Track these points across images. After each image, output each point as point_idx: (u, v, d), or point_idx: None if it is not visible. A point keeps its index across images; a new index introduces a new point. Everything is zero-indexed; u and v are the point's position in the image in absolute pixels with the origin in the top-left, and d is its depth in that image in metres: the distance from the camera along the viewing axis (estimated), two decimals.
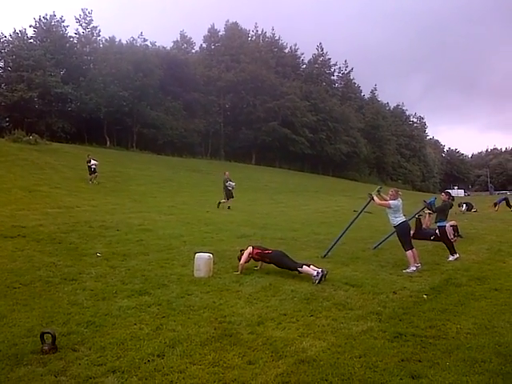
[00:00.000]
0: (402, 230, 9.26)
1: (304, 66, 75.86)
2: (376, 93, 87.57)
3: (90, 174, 24.26)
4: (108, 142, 46.00)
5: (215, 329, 5.32)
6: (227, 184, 21.02)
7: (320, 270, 7.67)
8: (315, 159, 65.09)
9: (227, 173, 22.21)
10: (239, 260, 8.39)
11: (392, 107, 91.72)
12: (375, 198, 9.58)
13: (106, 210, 15.79)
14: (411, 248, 9.11)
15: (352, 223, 10.81)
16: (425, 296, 6.97)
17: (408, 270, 8.82)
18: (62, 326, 5.25)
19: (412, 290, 7.38)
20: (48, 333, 4.68)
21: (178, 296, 6.59)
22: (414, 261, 8.99)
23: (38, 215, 13.66)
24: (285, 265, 8.16)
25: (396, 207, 9.19)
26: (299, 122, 59.44)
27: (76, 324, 5.37)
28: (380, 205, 9.41)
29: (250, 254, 8.33)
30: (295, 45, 74.23)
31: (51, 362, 4.39)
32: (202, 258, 7.87)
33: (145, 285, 7.12)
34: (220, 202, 20.61)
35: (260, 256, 8.37)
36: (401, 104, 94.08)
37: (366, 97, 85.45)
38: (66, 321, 5.47)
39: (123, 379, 4.09)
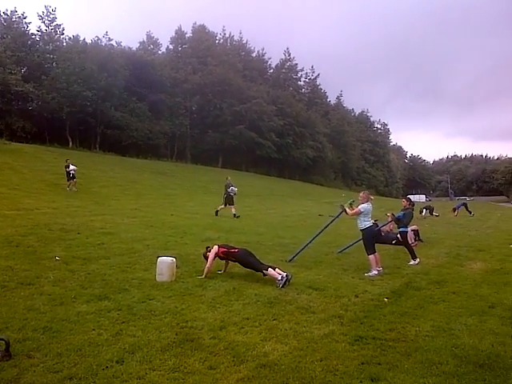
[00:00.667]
0: (368, 234, 9.43)
1: (271, 70, 76.40)
2: (342, 99, 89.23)
3: (68, 180, 22.92)
4: (70, 143, 44.88)
5: (176, 334, 5.26)
6: (229, 190, 19.94)
7: (285, 274, 7.70)
8: (282, 163, 65.55)
9: (229, 178, 21.33)
10: (205, 258, 8.32)
11: (357, 113, 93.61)
12: (347, 210, 9.66)
13: (67, 213, 15.37)
14: (374, 252, 9.28)
15: (321, 232, 10.88)
16: (385, 299, 7.10)
17: (370, 274, 8.98)
18: (17, 332, 5.08)
19: (373, 293, 7.51)
20: (2, 339, 4.53)
21: (139, 301, 6.47)
22: (375, 264, 9.17)
23: None
24: (250, 264, 8.14)
25: (366, 211, 9.37)
26: (266, 126, 59.72)
27: (32, 330, 5.20)
28: (352, 214, 9.52)
29: (216, 253, 8.27)
30: (263, 49, 74.78)
31: (4, 369, 4.25)
32: (165, 261, 7.77)
33: (105, 289, 6.96)
34: (218, 210, 19.58)
35: (226, 255, 8.32)
36: (365, 110, 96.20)
37: (331, 102, 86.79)
38: (21, 327, 5.29)
39: None
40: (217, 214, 19.31)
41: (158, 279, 7.63)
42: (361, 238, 10.93)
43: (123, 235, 11.80)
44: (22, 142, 36.85)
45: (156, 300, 6.54)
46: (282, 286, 7.48)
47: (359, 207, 9.41)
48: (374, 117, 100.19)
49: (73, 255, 9.17)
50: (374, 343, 5.18)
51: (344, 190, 65.70)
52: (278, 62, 75.83)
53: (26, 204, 16.53)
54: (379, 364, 4.60)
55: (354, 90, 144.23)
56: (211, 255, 8.22)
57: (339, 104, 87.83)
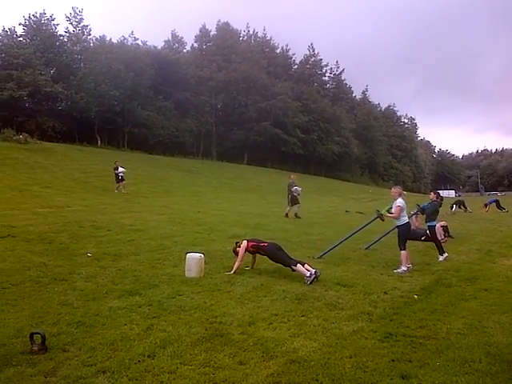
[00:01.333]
0: (404, 230, 9.27)
1: (295, 66, 76.02)
2: (367, 94, 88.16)
3: (118, 182, 22.74)
4: (99, 142, 45.79)
5: (206, 329, 5.31)
6: (293, 189, 18.95)
7: (313, 270, 7.67)
8: (307, 159, 65.26)
9: (293, 176, 20.51)
10: (235, 253, 8.37)
11: (383, 108, 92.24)
12: (387, 214, 9.41)
13: (97, 210, 15.69)
14: (405, 248, 9.16)
15: (354, 234, 10.76)
16: (415, 296, 7.01)
17: (399, 270, 8.87)
18: (51, 327, 5.21)
19: (403, 290, 7.41)
20: (38, 333, 4.64)
21: (169, 296, 6.56)
22: (406, 261, 9.04)
23: (28, 215, 13.55)
24: (279, 259, 8.12)
25: (404, 206, 9.23)
26: (291, 123, 59.53)
27: (66, 324, 5.33)
28: (396, 216, 9.20)
29: (245, 248, 8.29)
30: (287, 45, 74.49)
31: (41, 362, 4.36)
32: (194, 258, 7.85)
33: (135, 285, 7.08)
34: (287, 213, 18.58)
35: (255, 248, 8.31)
36: (392, 105, 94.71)
37: (357, 98, 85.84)
38: (56, 321, 5.43)
39: (113, 380, 4.06)
40: (287, 216, 18.45)
41: (186, 275, 7.72)
42: (386, 233, 10.82)
43: (152, 232, 11.98)
44: (53, 141, 37.80)
45: (185, 296, 6.63)
46: (311, 283, 7.47)
47: (398, 203, 9.14)
48: (401, 111, 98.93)
49: (104, 252, 9.36)
50: (404, 340, 5.13)
51: (371, 185, 65.00)
52: (302, 57, 75.44)
53: (57, 202, 16.96)
54: (410, 361, 4.55)
55: (380, 84, 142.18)
56: (241, 251, 8.24)
57: (365, 99, 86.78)
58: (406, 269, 8.92)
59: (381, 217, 9.58)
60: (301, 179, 50.14)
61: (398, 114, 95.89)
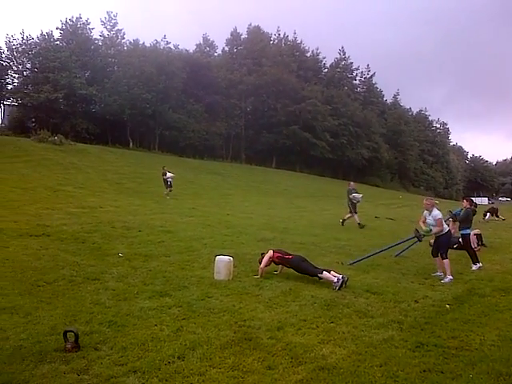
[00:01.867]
0: (446, 239, 9.11)
1: (326, 70, 75.62)
2: (398, 98, 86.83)
3: (167, 188, 22.80)
4: (131, 144, 46.62)
5: (235, 332, 5.33)
6: (351, 196, 17.94)
7: (340, 276, 7.62)
8: (336, 164, 64.75)
9: (352, 183, 19.74)
10: (260, 263, 8.40)
11: (415, 112, 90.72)
12: (433, 230, 9.13)
13: (129, 211, 15.99)
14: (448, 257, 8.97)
15: (391, 247, 10.57)
16: (447, 306, 6.86)
17: (445, 280, 8.64)
18: (84, 325, 5.31)
19: (434, 299, 7.28)
20: (71, 331, 4.74)
21: (199, 298, 6.62)
22: (449, 270, 8.83)
23: (62, 214, 13.92)
24: (305, 270, 8.12)
25: (442, 216, 9.10)
26: (320, 126, 59.22)
27: (98, 323, 5.43)
28: (439, 230, 9.01)
29: (270, 257, 8.32)
30: (317, 49, 74.19)
31: (74, 360, 4.45)
32: (223, 260, 7.90)
33: (166, 286, 7.17)
34: (344, 220, 17.85)
35: (280, 260, 8.34)
36: (424, 109, 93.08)
37: (388, 101, 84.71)
38: (88, 320, 5.53)
39: (144, 380, 4.12)
40: (343, 224, 17.69)
41: (215, 277, 7.77)
42: (416, 241, 10.61)
43: (182, 234, 12.12)
44: (86, 143, 38.70)
45: (214, 298, 6.67)
46: (339, 289, 7.41)
47: (438, 216, 8.98)
48: (433, 116, 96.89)
49: (135, 252, 9.53)
50: (436, 351, 5.03)
51: (401, 191, 63.98)
52: (332, 61, 75.04)
53: (90, 202, 17.37)
54: (442, 372, 4.46)
55: (412, 88, 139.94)
56: (266, 258, 8.28)
57: (396, 103, 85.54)
58: (452, 278, 8.71)
59: (419, 237, 9.31)
60: (329, 183, 50.04)
61: (430, 118, 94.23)
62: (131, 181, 25.93)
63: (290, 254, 8.44)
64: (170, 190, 22.78)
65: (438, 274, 9.10)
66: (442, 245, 9.10)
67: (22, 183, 20.08)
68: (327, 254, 11.09)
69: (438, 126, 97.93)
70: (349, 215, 17.85)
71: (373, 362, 4.67)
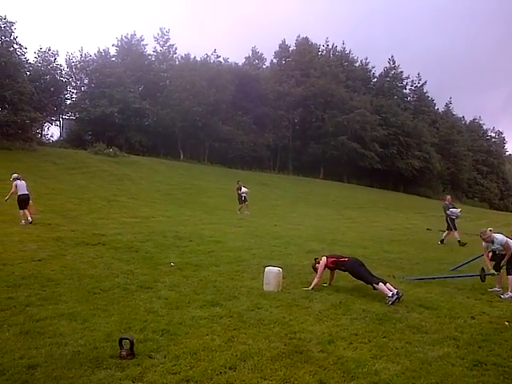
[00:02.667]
0: None
1: (375, 79, 74.51)
2: (451, 106, 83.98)
3: (240, 203, 21.97)
4: (182, 155, 47.65)
5: (285, 344, 5.33)
6: (449, 212, 16.85)
7: (396, 291, 7.42)
8: (385, 174, 63.34)
9: (448, 197, 18.54)
10: (314, 270, 8.31)
11: (468, 121, 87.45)
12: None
13: (179, 221, 16.36)
14: None
15: (463, 264, 10.19)
16: (506, 323, 6.55)
17: (505, 296, 8.26)
18: (138, 333, 5.46)
19: (492, 315, 6.97)
20: (126, 339, 4.88)
21: (249, 309, 6.66)
22: None
23: (116, 224, 14.44)
24: (362, 275, 7.93)
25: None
26: (369, 137, 58.25)
27: (152, 331, 5.56)
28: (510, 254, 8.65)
29: (325, 265, 8.19)
30: (366, 58, 73.25)
31: (129, 367, 4.58)
32: (272, 271, 7.92)
33: (216, 296, 7.27)
34: (443, 239, 16.71)
35: (335, 264, 8.18)
36: (478, 118, 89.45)
37: (440, 110, 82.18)
38: (142, 328, 5.68)
39: None
40: (442, 243, 16.58)
41: (265, 288, 7.80)
42: (475, 257, 10.21)
43: (231, 244, 12.27)
44: (139, 155, 39.94)
45: (264, 309, 6.69)
46: (392, 303, 7.23)
47: (503, 242, 8.61)
48: (488, 125, 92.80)
49: (186, 261, 9.73)
50: (495, 370, 4.82)
51: (454, 202, 61.70)
52: (382, 70, 73.85)
53: (142, 212, 17.91)
54: None
55: (465, 96, 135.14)
56: (321, 267, 8.16)
57: (448, 111, 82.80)
58: None
59: (483, 277, 8.80)
60: (378, 194, 49.05)
61: (485, 127, 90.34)
62: (182, 191, 26.51)
63: (346, 257, 8.32)
64: (247, 206, 21.97)
65: (496, 289, 8.70)
66: (509, 261, 8.64)
67: (79, 194, 21.03)
68: (378, 266, 10.84)
69: (493, 134, 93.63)
70: (447, 232, 16.83)
71: (428, 379, 4.53)
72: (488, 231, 8.87)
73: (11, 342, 5.08)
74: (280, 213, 24.09)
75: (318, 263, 8.29)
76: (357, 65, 72.32)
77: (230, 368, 4.64)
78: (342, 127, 56.99)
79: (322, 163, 58.91)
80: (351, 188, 50.41)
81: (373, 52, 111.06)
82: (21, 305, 6.31)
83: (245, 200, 21.85)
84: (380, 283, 7.63)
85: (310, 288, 8.02)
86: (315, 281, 8.10)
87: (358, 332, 5.89)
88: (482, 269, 8.93)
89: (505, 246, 8.61)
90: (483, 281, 8.83)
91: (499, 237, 8.71)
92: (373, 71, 74.32)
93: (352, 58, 71.61)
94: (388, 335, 5.82)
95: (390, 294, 7.36)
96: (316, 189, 40.97)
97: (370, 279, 7.82)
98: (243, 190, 22.08)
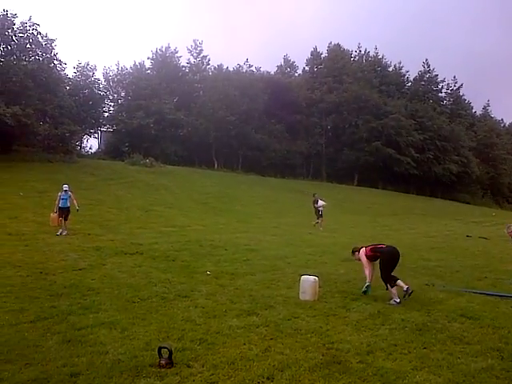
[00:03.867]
0: None
1: (409, 83, 73.28)
2: (489, 109, 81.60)
3: (318, 218, 20.63)
4: (216, 165, 48.14)
5: (323, 355, 5.28)
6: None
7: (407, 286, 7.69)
8: (422, 180, 61.97)
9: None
10: (353, 255, 8.41)
11: (507, 123, 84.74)
12: None
13: (215, 230, 16.52)
14: None
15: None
16: None
17: None
18: (177, 342, 5.51)
19: None
20: (165, 347, 4.93)
21: (285, 318, 6.64)
22: None
23: (153, 233, 14.72)
24: (387, 268, 7.91)
25: None
26: (404, 142, 57.24)
27: (190, 340, 5.60)
28: None
29: (365, 254, 8.15)
30: (399, 63, 72.17)
31: (168, 376, 4.63)
32: (308, 280, 7.88)
33: (252, 305, 7.28)
34: None
35: (373, 252, 8.12)
36: None
37: (477, 113, 79.98)
38: (180, 337, 5.73)
39: None
40: None
41: (301, 297, 7.76)
42: None
43: (266, 252, 12.28)
44: (175, 165, 40.56)
45: (301, 319, 6.65)
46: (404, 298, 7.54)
47: None
48: None
49: (221, 270, 9.80)
50: None
51: (494, 208, 59.69)
52: (416, 74, 72.58)
53: (178, 221, 18.18)
54: None
55: (504, 97, 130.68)
56: (363, 258, 8.13)
57: (486, 114, 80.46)
58: None
59: None
60: (415, 200, 48.08)
61: None
62: (216, 200, 26.76)
63: (383, 244, 8.29)
64: (321, 221, 20.50)
65: None
66: None
67: (117, 204, 21.54)
68: (416, 275, 10.62)
69: None
70: None
71: None
72: None
73: (54, 350, 5.23)
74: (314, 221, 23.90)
75: (354, 254, 8.35)
76: (390, 69, 71.36)
77: (268, 378, 4.63)
78: (377, 133, 56.32)
79: (356, 169, 58.27)
80: (387, 194, 49.59)
81: (406, 56, 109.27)
82: (63, 313, 6.50)
83: (321, 214, 20.41)
84: (394, 287, 7.76)
85: (368, 281, 8.03)
86: (367, 271, 8.09)
87: (398, 342, 5.77)
88: None
89: None
90: None
91: None
92: (407, 75, 73.19)
93: (385, 62, 70.78)
94: (428, 346, 5.69)
95: (397, 300, 7.63)
96: (350, 195, 40.52)
97: (389, 278, 7.83)
98: (320, 203, 20.71)
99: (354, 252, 8.45)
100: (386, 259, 7.96)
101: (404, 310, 7.30)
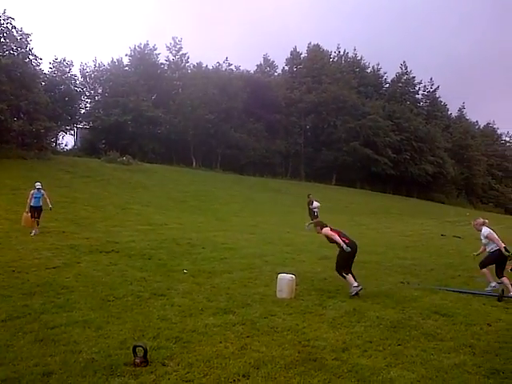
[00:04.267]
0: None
1: (387, 85, 74.25)
2: (464, 111, 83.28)
3: (312, 219, 19.49)
4: (194, 163, 47.87)
5: (299, 352, 5.29)
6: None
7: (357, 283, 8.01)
8: (398, 180, 62.89)
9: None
10: (317, 228, 8.70)
11: (482, 125, 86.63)
12: None
13: (192, 228, 16.41)
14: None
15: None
16: None
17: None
18: (152, 340, 5.46)
19: (508, 322, 6.88)
20: (140, 346, 4.89)
21: (262, 316, 6.64)
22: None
23: (129, 231, 14.55)
24: (346, 260, 8.29)
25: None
26: (382, 142, 57.97)
27: (165, 339, 5.56)
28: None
29: (332, 229, 8.46)
30: (378, 64, 73.05)
31: (142, 374, 4.59)
32: (285, 278, 7.89)
33: (229, 303, 7.26)
34: None
35: (338, 234, 8.41)
36: (492, 122, 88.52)
37: (453, 115, 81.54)
38: (155, 335, 5.68)
39: None
40: None
41: (278, 295, 7.77)
42: None
43: (243, 251, 12.27)
44: (152, 163, 40.19)
45: (277, 316, 6.66)
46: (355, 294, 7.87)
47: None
48: (502, 129, 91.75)
49: (199, 269, 9.74)
50: None
51: (468, 208, 60.98)
52: (394, 76, 73.55)
53: (156, 220, 18.01)
54: None
55: (477, 100, 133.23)
56: (331, 233, 8.38)
57: (461, 116, 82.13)
58: None
59: (500, 298, 8.48)
60: (392, 200, 48.75)
61: (499, 131, 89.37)
62: (194, 199, 26.60)
63: (348, 239, 8.42)
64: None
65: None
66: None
67: (93, 201, 21.22)
68: (392, 273, 10.77)
69: (508, 139, 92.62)
70: None
71: None
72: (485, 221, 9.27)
73: (26, 349, 5.12)
74: (292, 219, 23.96)
75: (317, 228, 8.71)
76: (368, 70, 72.19)
77: (244, 376, 4.63)
78: (355, 133, 56.87)
79: (334, 169, 58.73)
80: (364, 194, 50.14)
81: (386, 57, 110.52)
82: (36, 312, 6.37)
83: (316, 216, 19.67)
84: (350, 275, 8.15)
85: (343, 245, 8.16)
86: (336, 238, 8.27)
87: (373, 339, 5.83)
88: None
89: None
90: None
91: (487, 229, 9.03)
92: (385, 77, 74.17)
93: (364, 63, 71.54)
94: (403, 343, 5.76)
95: (355, 285, 7.98)
96: (328, 195, 40.74)
97: (344, 270, 8.24)
98: (315, 204, 20.33)
99: (317, 226, 8.76)
100: (344, 254, 8.23)
101: (379, 307, 7.39)
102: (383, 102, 65.12)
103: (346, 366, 4.94)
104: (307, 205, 20.73)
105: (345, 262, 8.26)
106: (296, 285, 8.12)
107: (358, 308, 7.28)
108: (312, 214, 20.19)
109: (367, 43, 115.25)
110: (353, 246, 8.28)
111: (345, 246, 8.09)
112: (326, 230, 8.40)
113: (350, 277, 8.06)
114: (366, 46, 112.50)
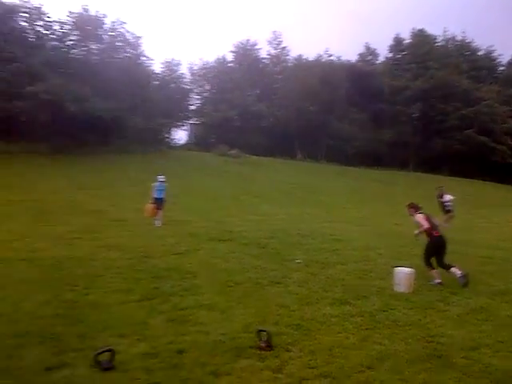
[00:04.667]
0: None
1: (502, 67, 67.77)
2: None
3: (445, 214, 17.06)
4: (299, 155, 48.08)
5: (424, 348, 5.16)
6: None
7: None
8: None
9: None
10: (410, 209, 8.58)
11: None
12: None
13: (301, 219, 16.56)
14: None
15: None
16: None
17: None
18: (273, 326, 5.63)
19: None
20: (264, 331, 5.09)
21: (380, 309, 6.54)
22: None
23: (241, 221, 15.09)
24: (431, 253, 8.26)
25: None
26: (500, 129, 53.32)
27: (285, 325, 5.73)
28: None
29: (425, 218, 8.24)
30: (491, 46, 66.92)
31: (268, 358, 4.78)
32: (403, 272, 7.67)
33: (345, 294, 7.23)
34: None
35: (430, 223, 8.23)
36: None
37: None
38: (276, 321, 5.88)
39: None
40: None
41: (395, 289, 7.57)
42: None
43: (354, 243, 12.10)
44: (259, 155, 41.09)
45: (397, 310, 6.51)
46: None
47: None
48: None
49: (311, 259, 9.80)
50: None
51: None
52: (510, 57, 66.83)
53: (265, 210, 18.47)
54: None
55: None
56: (423, 221, 8.21)
57: None
58: None
59: None
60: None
61: None
62: (301, 190, 26.72)
63: (438, 231, 8.29)
64: (450, 217, 17.07)
65: None
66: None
67: (206, 192, 22.35)
68: None
69: None
70: None
71: None
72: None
73: (161, 328, 5.59)
74: (402, 211, 23.06)
75: (410, 210, 8.51)
76: (480, 54, 66.43)
77: (368, 367, 4.63)
78: (468, 120, 52.97)
79: (445, 159, 55.28)
80: (481, 185, 46.52)
81: (498, 40, 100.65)
82: (165, 294, 6.89)
83: (449, 210, 17.20)
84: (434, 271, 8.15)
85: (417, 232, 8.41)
86: (424, 222, 8.19)
87: (504, 339, 5.48)
88: None
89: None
90: None
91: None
92: (499, 59, 67.66)
93: (474, 47, 65.97)
94: None
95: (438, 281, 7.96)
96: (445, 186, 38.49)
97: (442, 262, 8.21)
98: (446, 197, 17.54)
99: (411, 208, 8.55)
100: (436, 249, 8.23)
101: (509, 306, 6.89)
102: (498, 86, 59.71)
103: (478, 365, 4.71)
104: (436, 198, 18.14)
105: (430, 253, 8.25)
106: (414, 279, 7.85)
107: (486, 306, 6.86)
108: (444, 208, 17.30)
109: (476, 24, 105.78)
110: (440, 240, 8.27)
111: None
112: (419, 217, 8.29)
113: (434, 271, 8.15)
114: (475, 26, 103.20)
